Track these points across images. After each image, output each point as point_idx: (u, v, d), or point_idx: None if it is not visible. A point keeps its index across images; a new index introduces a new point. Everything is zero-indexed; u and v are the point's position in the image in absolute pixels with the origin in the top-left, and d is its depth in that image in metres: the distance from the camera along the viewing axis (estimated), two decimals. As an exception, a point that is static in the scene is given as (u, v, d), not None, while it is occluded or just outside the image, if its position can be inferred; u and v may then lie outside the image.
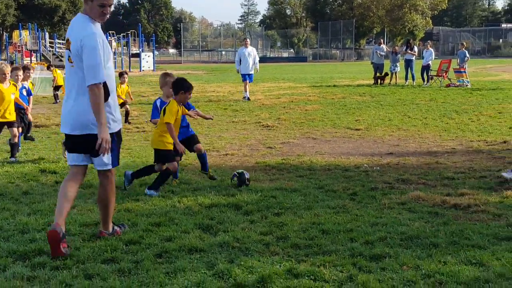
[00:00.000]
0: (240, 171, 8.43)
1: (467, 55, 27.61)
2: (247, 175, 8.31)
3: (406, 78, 28.33)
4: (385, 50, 29.98)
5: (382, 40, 32.35)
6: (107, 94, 5.49)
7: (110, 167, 5.72)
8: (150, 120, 8.73)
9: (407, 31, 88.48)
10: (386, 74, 28.77)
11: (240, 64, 21.97)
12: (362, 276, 4.90)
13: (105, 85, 5.45)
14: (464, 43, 29.29)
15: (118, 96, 14.97)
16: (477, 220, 6.51)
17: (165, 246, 5.69)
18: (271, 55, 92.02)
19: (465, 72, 26.76)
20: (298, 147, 11.69)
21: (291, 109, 18.34)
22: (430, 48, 28.86)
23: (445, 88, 25.40)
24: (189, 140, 8.61)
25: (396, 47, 31.32)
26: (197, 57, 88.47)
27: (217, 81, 33.12)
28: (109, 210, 5.91)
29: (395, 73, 28.71)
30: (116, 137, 5.74)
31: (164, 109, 7.82)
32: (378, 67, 28.94)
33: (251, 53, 22.06)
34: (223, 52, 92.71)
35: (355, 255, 5.41)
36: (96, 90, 5.33)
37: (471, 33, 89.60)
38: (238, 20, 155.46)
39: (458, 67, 27.27)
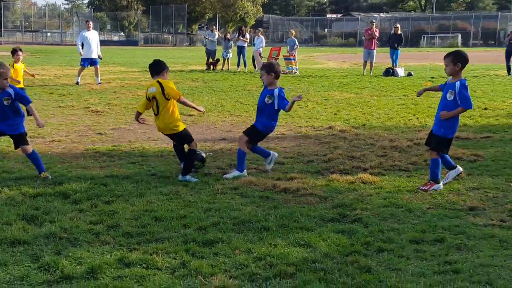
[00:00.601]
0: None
1: (296, 43, 28.63)
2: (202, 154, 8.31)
3: (238, 65, 28.84)
4: (217, 36, 30.26)
5: (214, 27, 32.61)
6: None
7: None
8: None
9: (238, 18, 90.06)
10: (218, 60, 29.08)
11: (82, 48, 21.02)
12: (195, 262, 4.91)
13: None
14: (293, 32, 30.33)
15: (13, 79, 13.57)
16: (305, 203, 6.76)
17: (-16, 240, 5.30)
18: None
19: (294, 59, 27.74)
20: (129, 133, 11.45)
21: (122, 94, 17.93)
22: (261, 36, 29.55)
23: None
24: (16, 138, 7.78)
25: (228, 34, 31.75)
26: (19, 38, 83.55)
27: (42, 64, 31.55)
28: None
29: (228, 59, 29.10)
30: None
31: (157, 99, 7.74)
32: (210, 53, 29.18)
33: (94, 37, 21.21)
34: (48, 34, 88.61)
35: (188, 241, 5.40)
36: None
37: (299, 22, 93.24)
38: (65, 0, 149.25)
39: (287, 54, 28.20)
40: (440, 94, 7.69)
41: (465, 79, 7.42)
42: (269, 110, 8.16)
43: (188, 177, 7.77)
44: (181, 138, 8.10)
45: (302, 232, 5.72)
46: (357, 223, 6.04)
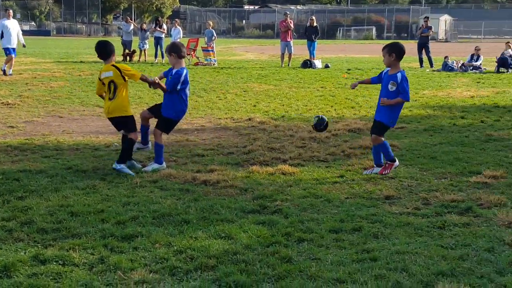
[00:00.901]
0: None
1: (214, 34, 28.50)
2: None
3: (156, 56, 28.45)
4: (132, 27, 29.71)
5: (128, 17, 32.04)
6: None
7: None
8: None
9: (154, 8, 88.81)
10: (134, 51, 28.60)
11: (3, 37, 20.13)
12: (114, 257, 4.82)
13: None
14: (211, 23, 30.19)
15: None
16: (226, 195, 6.74)
17: None
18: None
19: (212, 51, 27.61)
20: (43, 126, 11.09)
21: (34, 86, 17.34)
22: (178, 27, 29.24)
23: (193, 66, 26.00)
24: None
25: (144, 24, 31.27)
26: None
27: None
28: None
29: (144, 50, 28.66)
30: None
31: (115, 82, 7.56)
32: (126, 44, 28.68)
33: (15, 26, 20.38)
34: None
35: (106, 236, 5.29)
36: None
37: (216, 13, 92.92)
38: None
39: (205, 45, 28.05)
40: (370, 86, 7.88)
41: (404, 71, 7.67)
42: (175, 93, 7.98)
43: (123, 165, 7.60)
44: (127, 123, 7.82)
45: (222, 224, 5.70)
46: (278, 214, 6.07)
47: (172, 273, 4.59)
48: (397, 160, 7.82)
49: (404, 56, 7.80)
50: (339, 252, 5.06)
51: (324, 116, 8.59)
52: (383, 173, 7.67)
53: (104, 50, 7.79)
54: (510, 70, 23.30)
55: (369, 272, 4.59)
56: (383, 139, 7.80)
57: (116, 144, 9.41)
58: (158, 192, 6.79)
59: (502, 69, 23.61)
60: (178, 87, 7.83)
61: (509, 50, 24.09)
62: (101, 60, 7.87)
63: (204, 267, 4.68)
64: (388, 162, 7.75)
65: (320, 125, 8.45)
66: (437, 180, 7.49)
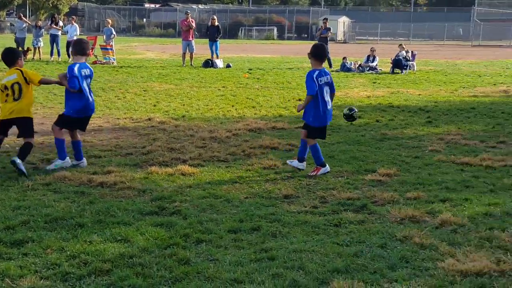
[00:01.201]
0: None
1: (113, 32, 27.92)
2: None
3: (52, 54, 27.54)
4: (25, 24, 28.62)
5: (21, 14, 30.87)
6: None
7: None
8: None
9: (51, 5, 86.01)
10: (28, 49, 27.56)
11: None
12: (2, 264, 4.62)
13: None
14: (110, 21, 29.57)
15: None
16: (123, 197, 6.60)
17: None
18: None
19: (111, 49, 27.03)
20: None
21: None
22: (75, 24, 28.41)
23: (91, 65, 25.29)
24: None
25: (40, 21, 30.23)
26: None
27: None
28: None
29: (38, 48, 27.70)
30: None
31: (20, 83, 7.53)
32: (19, 42, 27.64)
33: None
34: None
35: (-6, 243, 5.03)
36: None
37: (116, 11, 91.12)
38: None
39: (104, 44, 27.43)
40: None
41: (314, 70, 7.75)
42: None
43: (21, 162, 7.32)
44: (28, 126, 7.69)
45: (119, 227, 5.56)
46: (176, 215, 5.99)
47: (64, 279, 4.43)
48: (327, 166, 7.87)
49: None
50: (238, 252, 5.05)
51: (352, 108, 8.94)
52: (311, 174, 7.76)
53: (11, 57, 7.81)
54: (404, 71, 24.21)
55: (267, 272, 4.60)
56: (314, 141, 7.91)
57: (7, 145, 9.01)
58: (51, 195, 6.55)
59: (396, 70, 24.51)
60: (76, 81, 7.77)
61: (403, 51, 25.03)
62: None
63: (98, 271, 4.54)
64: (317, 166, 7.83)
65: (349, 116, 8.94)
66: (334, 179, 7.64)
